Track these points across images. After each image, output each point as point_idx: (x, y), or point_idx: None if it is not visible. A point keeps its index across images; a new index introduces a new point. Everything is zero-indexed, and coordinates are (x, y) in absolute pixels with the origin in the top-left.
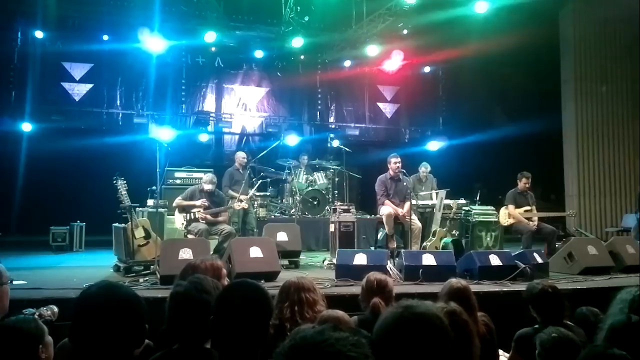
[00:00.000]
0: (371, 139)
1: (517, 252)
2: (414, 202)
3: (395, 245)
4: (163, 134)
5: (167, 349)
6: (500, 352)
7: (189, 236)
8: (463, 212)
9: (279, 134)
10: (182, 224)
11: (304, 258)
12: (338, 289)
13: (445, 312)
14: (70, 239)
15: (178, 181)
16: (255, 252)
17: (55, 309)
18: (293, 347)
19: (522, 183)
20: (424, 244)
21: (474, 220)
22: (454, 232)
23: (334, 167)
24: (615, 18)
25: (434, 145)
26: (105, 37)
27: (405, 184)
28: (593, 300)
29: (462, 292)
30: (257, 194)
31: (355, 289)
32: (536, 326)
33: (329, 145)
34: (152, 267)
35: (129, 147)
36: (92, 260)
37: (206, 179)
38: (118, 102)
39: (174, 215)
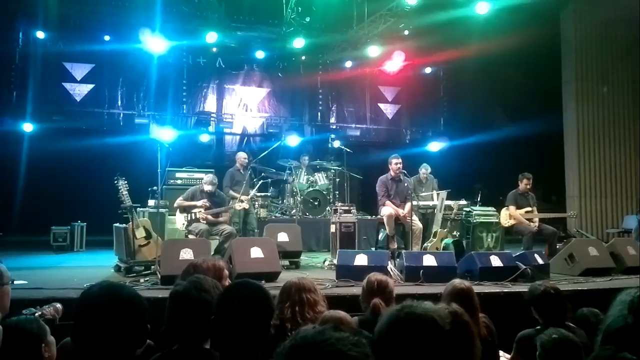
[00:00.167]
0: (372, 140)
1: (518, 253)
2: (415, 202)
3: (396, 246)
4: (164, 134)
5: (167, 350)
6: (501, 353)
7: (190, 236)
8: (464, 213)
9: (280, 134)
10: (183, 224)
11: (304, 258)
12: (339, 289)
13: (447, 313)
14: (71, 239)
15: (179, 181)
16: (256, 252)
17: (59, 306)
18: (294, 347)
19: (523, 184)
20: (425, 244)
21: (474, 221)
22: (454, 233)
23: (334, 167)
24: (617, 19)
25: (435, 146)
26: (107, 38)
27: (406, 184)
28: (594, 301)
29: (465, 293)
30: (258, 194)
31: (356, 290)
32: (538, 327)
33: (329, 145)
34: (152, 267)
35: (130, 147)
36: (93, 261)
37: (206, 180)
38: (119, 103)
39: (174, 215)
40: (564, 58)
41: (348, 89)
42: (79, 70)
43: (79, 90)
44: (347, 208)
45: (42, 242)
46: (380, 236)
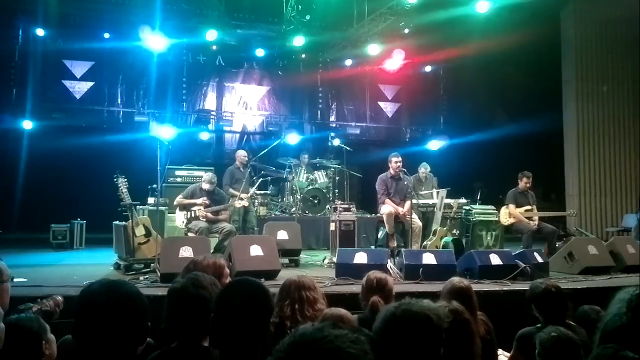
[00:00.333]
0: (372, 138)
1: (517, 252)
2: (414, 201)
3: (395, 244)
4: (164, 132)
5: (166, 347)
6: (500, 351)
7: (190, 234)
8: (464, 211)
9: (279, 132)
10: (183, 222)
11: (304, 256)
12: (338, 287)
13: (447, 311)
14: (71, 236)
15: (179, 179)
16: (256, 250)
17: (60, 298)
18: (292, 344)
19: (523, 182)
20: (425, 243)
21: (474, 219)
22: (454, 231)
23: (334, 166)
24: (617, 18)
25: (434, 144)
26: (107, 35)
27: (405, 183)
28: (593, 300)
29: (464, 292)
30: (258, 192)
31: (356, 288)
32: (538, 325)
33: (329, 144)
34: (152, 265)
35: (130, 145)
36: (93, 258)
37: (205, 179)
38: (119, 100)
39: (174, 213)
40: (564, 57)
41: (348, 87)
42: (79, 67)
43: (79, 88)
44: (346, 206)
45: (42, 240)
46: (380, 234)
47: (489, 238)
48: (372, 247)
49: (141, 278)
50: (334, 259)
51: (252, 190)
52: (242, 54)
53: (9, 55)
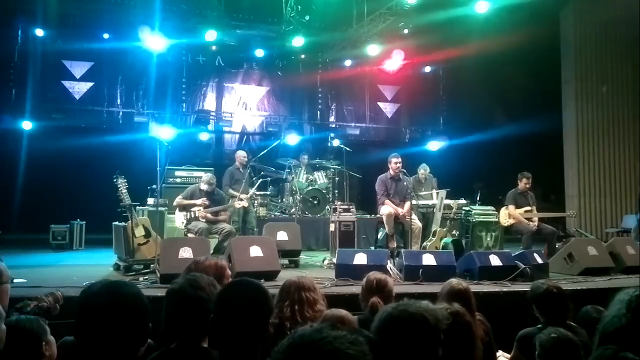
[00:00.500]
0: (371, 139)
1: (517, 253)
2: (414, 201)
3: (395, 245)
4: (163, 132)
5: (165, 348)
6: (500, 352)
7: (189, 235)
8: (463, 212)
9: (279, 133)
10: (182, 222)
11: (304, 257)
12: (338, 288)
13: (448, 313)
14: (71, 237)
15: (178, 180)
16: (256, 251)
17: (59, 293)
18: (291, 346)
19: (523, 183)
20: (424, 243)
21: (474, 220)
22: (454, 232)
23: (334, 166)
24: (616, 19)
25: (434, 145)
26: (106, 36)
27: (405, 183)
28: (593, 301)
29: (463, 294)
30: (258, 193)
31: (355, 289)
32: (539, 326)
33: (329, 144)
34: (152, 265)
35: (130, 145)
36: (92, 259)
37: (204, 179)
38: (118, 101)
39: (174, 214)
40: (564, 57)
41: (347, 88)
42: (78, 68)
43: (78, 88)
44: (346, 207)
45: (42, 241)
46: (380, 235)
47: (488, 239)
48: (372, 248)
49: (141, 279)
50: (334, 260)
51: (252, 190)
52: (241, 54)
53: (9, 55)
